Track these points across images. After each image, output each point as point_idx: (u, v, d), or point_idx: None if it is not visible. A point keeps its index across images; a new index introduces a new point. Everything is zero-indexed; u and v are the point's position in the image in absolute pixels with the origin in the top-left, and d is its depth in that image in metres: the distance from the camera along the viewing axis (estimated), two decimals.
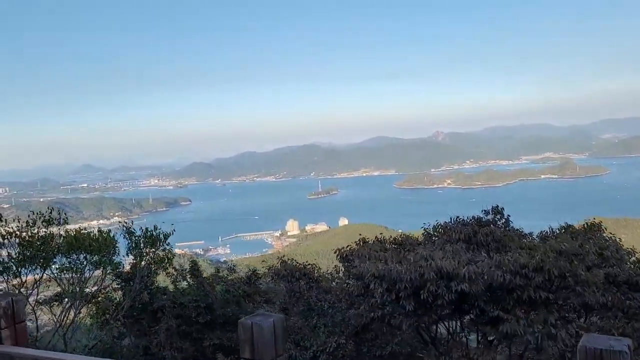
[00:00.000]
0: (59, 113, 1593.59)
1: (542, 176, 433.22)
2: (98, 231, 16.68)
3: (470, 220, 18.81)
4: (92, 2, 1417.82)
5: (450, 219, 19.35)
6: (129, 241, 17.23)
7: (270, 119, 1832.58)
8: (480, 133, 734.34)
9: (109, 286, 18.84)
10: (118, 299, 19.19)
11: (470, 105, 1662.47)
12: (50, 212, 15.95)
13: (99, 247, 16.13)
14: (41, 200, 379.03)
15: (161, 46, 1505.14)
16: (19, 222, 15.63)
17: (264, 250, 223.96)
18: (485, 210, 19.61)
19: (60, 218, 16.26)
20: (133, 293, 17.91)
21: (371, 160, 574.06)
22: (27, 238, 15.16)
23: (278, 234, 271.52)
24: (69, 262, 16.11)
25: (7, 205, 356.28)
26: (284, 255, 23.09)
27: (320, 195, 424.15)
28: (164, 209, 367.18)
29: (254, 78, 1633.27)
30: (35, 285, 16.01)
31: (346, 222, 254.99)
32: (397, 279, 13.95)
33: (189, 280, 21.14)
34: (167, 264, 18.78)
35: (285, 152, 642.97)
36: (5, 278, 15.25)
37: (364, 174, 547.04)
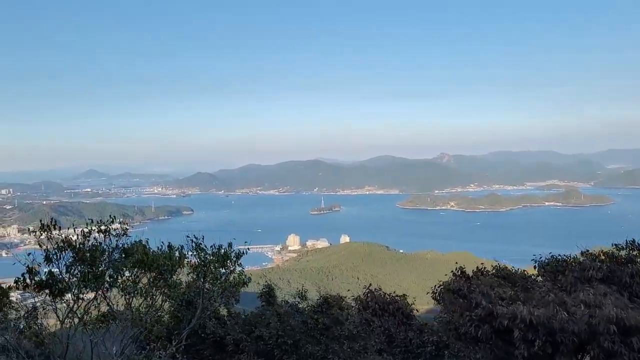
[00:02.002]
0: (66, 117, 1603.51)
1: (547, 203, 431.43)
2: (168, 247, 14.41)
3: (601, 256, 15.98)
4: (94, 6, 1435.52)
5: (582, 252, 16.40)
6: (198, 259, 14.86)
7: (276, 133, 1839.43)
8: (485, 157, 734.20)
9: (160, 308, 15.70)
10: (171, 325, 16.57)
11: (476, 129, 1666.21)
12: (112, 221, 13.75)
13: (172, 265, 14.06)
14: (44, 203, 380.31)
15: (171, 55, 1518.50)
16: (74, 230, 13.40)
17: (263, 263, 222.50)
18: (616, 245, 16.73)
19: (121, 229, 13.77)
20: (194, 320, 15.24)
21: (375, 178, 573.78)
22: (85, 251, 12.96)
23: (279, 248, 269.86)
24: (132, 281, 13.75)
25: (10, 207, 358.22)
26: (370, 284, 20.12)
27: (322, 211, 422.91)
28: (166, 217, 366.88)
29: (261, 91, 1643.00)
30: (88, 306, 13.48)
31: (347, 239, 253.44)
32: (558, 328, 11.64)
33: (261, 306, 18.29)
34: (237, 288, 15.95)
35: (290, 166, 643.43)
36: (56, 299, 12.91)
37: (368, 192, 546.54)
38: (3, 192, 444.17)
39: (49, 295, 12.78)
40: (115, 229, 13.55)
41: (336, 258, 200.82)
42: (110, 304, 13.67)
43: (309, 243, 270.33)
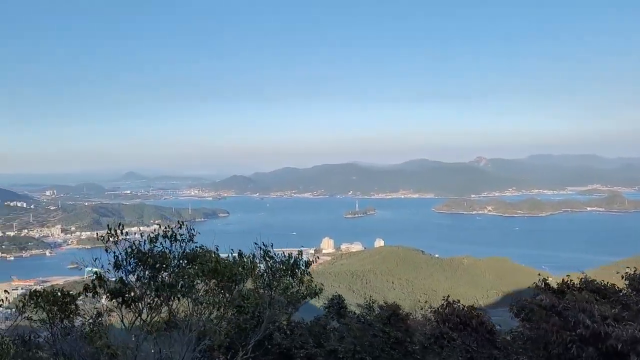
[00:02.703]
0: (107, 122, 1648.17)
1: (589, 208, 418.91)
2: (239, 255, 13.66)
3: None
4: (135, 11, 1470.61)
5: None
6: (266, 267, 14.05)
7: (311, 136, 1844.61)
8: (524, 161, 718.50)
9: (230, 319, 15.01)
10: (232, 334, 15.48)
11: (514, 132, 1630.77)
12: (180, 226, 12.96)
13: (245, 274, 13.33)
14: (86, 204, 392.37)
15: (210, 59, 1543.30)
16: (138, 235, 12.82)
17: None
18: None
19: (187, 234, 12.86)
20: (261, 331, 14.32)
21: (410, 182, 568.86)
22: (154, 257, 12.33)
23: (312, 252, 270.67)
24: (205, 291, 13.01)
25: (54, 207, 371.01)
26: (448, 296, 18.88)
27: (357, 215, 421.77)
28: (202, 219, 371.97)
29: (296, 95, 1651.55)
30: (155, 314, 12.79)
31: (382, 243, 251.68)
32: None
33: (325, 316, 17.17)
34: (308, 299, 14.94)
35: (324, 169, 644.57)
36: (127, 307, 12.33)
37: (403, 196, 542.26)
38: (47, 193, 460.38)
39: (122, 304, 12.41)
40: (181, 234, 12.89)
41: (370, 262, 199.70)
42: (173, 312, 12.87)
43: (343, 246, 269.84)
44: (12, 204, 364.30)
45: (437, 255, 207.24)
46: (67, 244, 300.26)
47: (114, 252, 12.58)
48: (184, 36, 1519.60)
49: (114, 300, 12.42)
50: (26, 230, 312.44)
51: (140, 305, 12.22)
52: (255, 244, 13.97)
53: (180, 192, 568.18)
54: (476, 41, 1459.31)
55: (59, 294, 12.92)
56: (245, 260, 13.56)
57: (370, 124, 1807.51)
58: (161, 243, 12.67)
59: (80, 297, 13.55)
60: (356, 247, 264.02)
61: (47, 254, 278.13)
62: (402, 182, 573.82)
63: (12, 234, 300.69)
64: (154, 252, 12.47)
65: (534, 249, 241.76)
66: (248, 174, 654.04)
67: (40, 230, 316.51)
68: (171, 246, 12.81)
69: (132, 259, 12.44)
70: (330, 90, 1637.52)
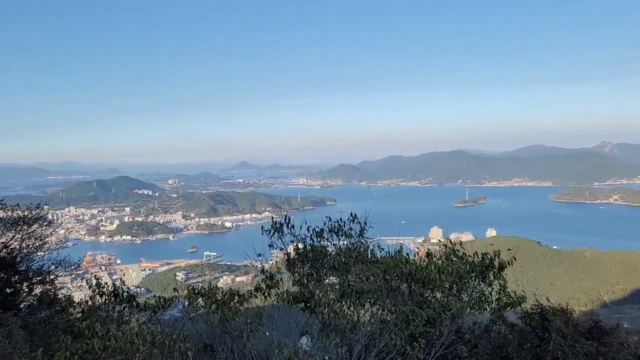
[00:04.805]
0: (223, 114, 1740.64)
1: None
2: (427, 255, 12.01)
3: None
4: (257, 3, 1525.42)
5: None
6: (453, 269, 11.60)
7: (418, 124, 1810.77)
8: None
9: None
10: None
11: None
12: (353, 219, 11.74)
13: (442, 279, 11.56)
14: (203, 192, 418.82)
15: (320, 53, 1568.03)
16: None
17: (405, 254, 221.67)
18: None
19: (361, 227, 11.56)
20: (442, 340, 11.72)
21: (525, 169, 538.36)
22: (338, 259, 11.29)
23: (421, 240, 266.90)
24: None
25: (175, 195, 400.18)
26: None
27: (467, 204, 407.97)
28: (311, 207, 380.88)
29: (405, 83, 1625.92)
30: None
31: (494, 233, 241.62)
32: None
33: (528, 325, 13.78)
34: (505, 309, 12.15)
35: (432, 157, 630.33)
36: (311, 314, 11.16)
37: (516, 184, 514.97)
38: (170, 182, 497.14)
39: (304, 311, 11.43)
40: (350, 229, 11.60)
41: (480, 252, 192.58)
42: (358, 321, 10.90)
43: (452, 236, 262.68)
44: (139, 192, 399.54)
45: (555, 247, 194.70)
46: (187, 229, 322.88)
47: (281, 248, 11.84)
48: (293, 27, 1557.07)
49: (294, 305, 11.44)
50: (152, 216, 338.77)
51: (324, 312, 10.70)
52: (439, 240, 11.76)
53: (289, 180, 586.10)
54: (596, 20, 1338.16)
55: (228, 295, 11.69)
56: (436, 261, 11.71)
57: (480, 110, 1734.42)
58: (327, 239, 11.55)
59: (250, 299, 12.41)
60: (466, 236, 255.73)
61: (170, 238, 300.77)
62: (516, 169, 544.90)
63: (140, 219, 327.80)
64: (329, 250, 11.41)
65: None
66: (355, 162, 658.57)
67: (164, 216, 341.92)
68: (339, 242, 11.55)
69: (306, 258, 11.53)
70: (439, 79, 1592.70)
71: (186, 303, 11.49)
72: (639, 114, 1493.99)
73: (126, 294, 11.07)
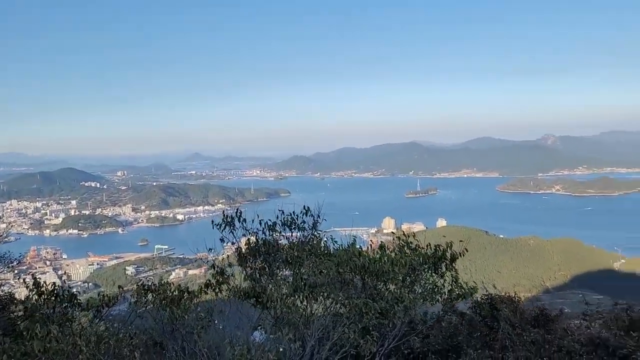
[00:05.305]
0: (174, 105, 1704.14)
1: None
2: (380, 247, 11.94)
3: None
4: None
5: None
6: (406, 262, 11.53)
7: (371, 116, 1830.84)
8: (595, 138, 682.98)
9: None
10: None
11: (585, 109, 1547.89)
12: (306, 212, 11.53)
13: (395, 271, 11.39)
14: (154, 184, 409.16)
15: (271, 44, 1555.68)
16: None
17: (358, 246, 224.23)
18: None
19: (314, 220, 11.44)
20: (394, 332, 11.64)
21: (474, 161, 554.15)
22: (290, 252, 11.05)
23: (374, 231, 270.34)
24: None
25: (125, 187, 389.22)
26: None
27: (418, 195, 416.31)
28: (265, 199, 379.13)
29: (359, 76, 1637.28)
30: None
31: (444, 223, 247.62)
32: None
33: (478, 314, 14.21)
34: (458, 300, 12.30)
35: (385, 149, 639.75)
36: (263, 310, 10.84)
37: (465, 175, 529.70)
38: (119, 174, 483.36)
39: (255, 306, 11.09)
40: (303, 222, 11.53)
41: (433, 242, 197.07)
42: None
43: (404, 226, 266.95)
44: (87, 184, 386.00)
45: (502, 236, 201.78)
46: (137, 222, 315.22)
47: (232, 242, 11.59)
48: (246, 19, 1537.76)
49: (245, 301, 11.21)
50: (100, 209, 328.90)
51: (276, 306, 10.49)
52: (393, 233, 11.68)
53: (243, 172, 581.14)
54: (545, 14, 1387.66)
55: (177, 292, 10.99)
56: (390, 254, 11.66)
57: (431, 102, 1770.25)
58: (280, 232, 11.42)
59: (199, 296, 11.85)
60: (418, 227, 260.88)
61: (119, 231, 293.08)
62: (465, 161, 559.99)
63: (87, 212, 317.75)
64: (282, 244, 11.29)
65: (606, 230, 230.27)
66: (309, 154, 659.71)
67: (113, 209, 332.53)
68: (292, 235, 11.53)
69: (258, 253, 11.32)
70: (390, 70, 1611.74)
71: (133, 300, 10.99)
72: (581, 107, 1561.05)
73: (67, 294, 10.48)
